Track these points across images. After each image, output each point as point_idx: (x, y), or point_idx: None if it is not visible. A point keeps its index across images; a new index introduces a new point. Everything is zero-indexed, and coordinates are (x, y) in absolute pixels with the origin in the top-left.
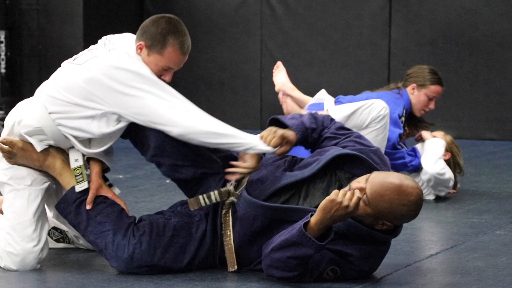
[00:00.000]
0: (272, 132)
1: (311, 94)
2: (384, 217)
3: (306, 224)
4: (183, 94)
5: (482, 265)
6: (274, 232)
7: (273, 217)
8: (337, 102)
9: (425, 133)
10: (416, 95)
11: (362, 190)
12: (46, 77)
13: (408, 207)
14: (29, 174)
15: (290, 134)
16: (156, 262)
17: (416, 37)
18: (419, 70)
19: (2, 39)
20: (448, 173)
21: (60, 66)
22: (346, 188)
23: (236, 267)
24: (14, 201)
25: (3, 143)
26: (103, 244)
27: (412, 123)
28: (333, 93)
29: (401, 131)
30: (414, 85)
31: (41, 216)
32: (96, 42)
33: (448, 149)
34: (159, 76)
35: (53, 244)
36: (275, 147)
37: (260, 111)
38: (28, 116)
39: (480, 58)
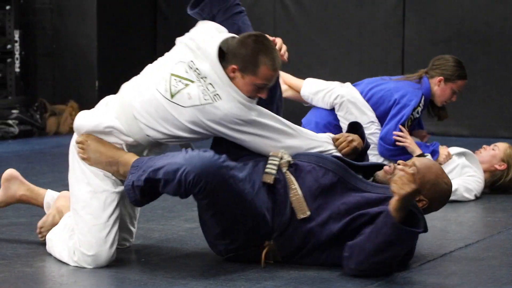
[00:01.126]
0: (348, 141)
1: None
2: (426, 189)
3: (391, 217)
4: None
5: (496, 263)
6: (337, 195)
7: (341, 175)
8: (355, 85)
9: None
10: (442, 88)
11: (411, 164)
12: (60, 76)
13: (448, 186)
14: (108, 178)
15: (359, 145)
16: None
17: (429, 36)
18: (447, 62)
19: (17, 38)
20: (461, 188)
21: (74, 67)
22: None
23: (308, 212)
24: (91, 201)
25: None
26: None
27: (433, 112)
28: None
29: (394, 128)
30: (442, 78)
31: (116, 219)
32: (110, 42)
33: (504, 160)
34: (256, 94)
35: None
36: (344, 155)
37: None
38: (122, 132)
39: (494, 56)
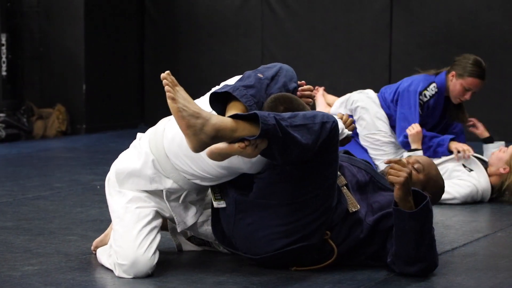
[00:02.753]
0: (351, 120)
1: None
2: (429, 184)
3: (404, 212)
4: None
5: (482, 267)
6: (369, 193)
7: (372, 174)
8: (381, 92)
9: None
10: (453, 83)
11: (409, 162)
12: (47, 80)
13: (443, 182)
14: (145, 195)
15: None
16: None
17: (417, 39)
18: (463, 59)
19: (3, 41)
20: (457, 195)
21: (61, 70)
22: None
23: (358, 206)
24: (124, 217)
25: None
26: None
27: (451, 111)
28: (335, 94)
29: (405, 126)
30: (454, 72)
31: (151, 231)
32: (97, 45)
33: (508, 163)
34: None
35: (194, 247)
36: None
37: None
38: (161, 172)
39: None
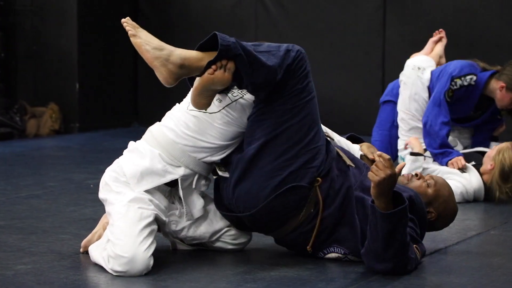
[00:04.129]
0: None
1: None
2: (437, 203)
3: (377, 210)
4: (180, 95)
5: (476, 265)
6: (363, 171)
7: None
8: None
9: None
10: (503, 94)
11: (422, 176)
12: (40, 78)
13: (456, 208)
14: (146, 196)
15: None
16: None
17: (411, 38)
18: None
19: None
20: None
21: (54, 69)
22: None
23: (352, 164)
24: (127, 213)
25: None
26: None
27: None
28: (329, 93)
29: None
30: (504, 85)
31: (152, 231)
32: (90, 43)
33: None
34: None
35: (186, 247)
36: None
37: None
38: (170, 163)
39: (475, 59)
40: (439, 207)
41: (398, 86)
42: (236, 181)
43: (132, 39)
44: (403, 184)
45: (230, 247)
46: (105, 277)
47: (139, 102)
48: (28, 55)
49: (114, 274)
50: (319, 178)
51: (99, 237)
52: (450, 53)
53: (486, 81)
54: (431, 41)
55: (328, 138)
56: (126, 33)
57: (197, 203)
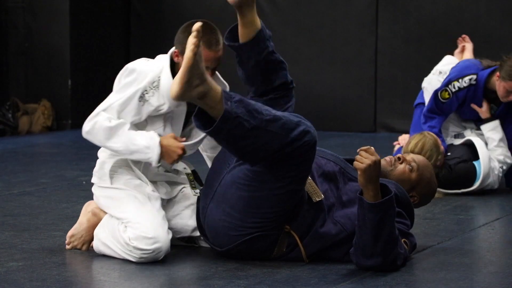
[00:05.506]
0: None
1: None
2: (420, 187)
3: (365, 201)
4: None
5: (468, 261)
6: (339, 184)
7: (342, 166)
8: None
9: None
10: (498, 84)
11: (405, 159)
12: (33, 75)
13: (436, 187)
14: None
15: None
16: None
17: (402, 34)
18: (509, 61)
19: None
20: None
21: (46, 65)
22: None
23: (322, 196)
24: (137, 195)
25: None
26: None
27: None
28: (321, 90)
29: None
30: (498, 74)
31: (164, 217)
32: (82, 40)
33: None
34: None
35: (178, 242)
36: None
37: None
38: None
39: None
40: (422, 190)
41: None
42: (207, 208)
43: (190, 52)
44: (387, 170)
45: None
46: (97, 273)
47: None
48: (20, 52)
49: (138, 256)
50: (287, 226)
51: (89, 224)
52: (439, 49)
53: (488, 77)
54: (456, 53)
55: None
56: (118, 29)
57: (161, 187)
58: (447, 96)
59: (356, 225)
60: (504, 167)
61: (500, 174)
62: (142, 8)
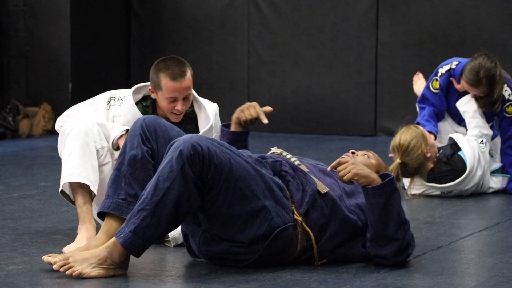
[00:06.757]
0: None
1: (299, 94)
2: (382, 168)
3: (368, 188)
4: None
5: (468, 265)
6: (334, 177)
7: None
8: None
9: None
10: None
11: (363, 153)
12: (33, 78)
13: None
14: None
15: None
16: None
17: (403, 38)
18: (471, 61)
19: None
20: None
21: (47, 69)
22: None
23: (326, 188)
24: None
25: None
26: None
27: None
28: (321, 94)
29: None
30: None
31: None
32: (83, 44)
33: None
34: (172, 108)
35: (170, 243)
36: None
37: None
38: None
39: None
40: (381, 171)
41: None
42: (207, 249)
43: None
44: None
45: None
46: (97, 277)
47: None
48: (21, 55)
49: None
50: (297, 214)
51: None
52: (440, 53)
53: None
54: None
55: (302, 167)
56: (119, 33)
57: None
58: (437, 86)
59: (367, 217)
60: (485, 140)
61: (484, 150)
62: (143, 11)
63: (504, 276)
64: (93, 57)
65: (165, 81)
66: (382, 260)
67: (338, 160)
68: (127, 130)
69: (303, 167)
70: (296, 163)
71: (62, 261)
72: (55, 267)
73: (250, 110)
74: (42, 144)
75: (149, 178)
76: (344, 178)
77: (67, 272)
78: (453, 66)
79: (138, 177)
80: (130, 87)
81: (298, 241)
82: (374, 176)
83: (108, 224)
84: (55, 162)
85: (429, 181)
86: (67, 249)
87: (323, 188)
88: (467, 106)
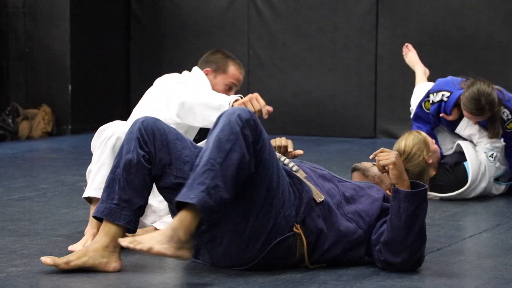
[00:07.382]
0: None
1: (299, 96)
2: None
3: (401, 191)
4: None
5: (468, 267)
6: (333, 183)
7: (328, 171)
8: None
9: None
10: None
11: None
12: (33, 80)
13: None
14: None
15: None
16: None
17: (402, 40)
18: (468, 88)
19: None
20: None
21: (46, 71)
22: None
23: (323, 196)
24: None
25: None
26: None
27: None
28: (321, 96)
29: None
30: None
31: None
32: (83, 45)
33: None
34: (225, 93)
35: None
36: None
37: None
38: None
39: (466, 61)
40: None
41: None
42: (211, 249)
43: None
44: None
45: None
46: (97, 279)
47: (131, 104)
48: (20, 57)
49: None
50: (297, 226)
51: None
52: (439, 55)
53: (459, 98)
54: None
55: (298, 174)
56: (119, 35)
57: None
58: (429, 106)
59: (388, 218)
60: (495, 153)
61: (491, 164)
62: (142, 13)
63: (504, 278)
64: (93, 59)
65: (233, 67)
66: (389, 267)
67: (382, 148)
68: (241, 96)
69: (300, 173)
70: (294, 168)
71: (130, 237)
72: (123, 244)
73: (253, 102)
74: (41, 146)
75: (144, 184)
76: (381, 162)
77: (137, 247)
78: (444, 99)
79: (132, 182)
80: (129, 89)
81: (297, 250)
82: (406, 177)
83: (107, 227)
84: (55, 164)
85: (430, 189)
86: (73, 247)
87: (318, 197)
88: (468, 129)
